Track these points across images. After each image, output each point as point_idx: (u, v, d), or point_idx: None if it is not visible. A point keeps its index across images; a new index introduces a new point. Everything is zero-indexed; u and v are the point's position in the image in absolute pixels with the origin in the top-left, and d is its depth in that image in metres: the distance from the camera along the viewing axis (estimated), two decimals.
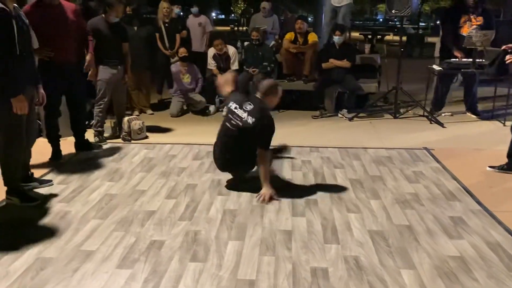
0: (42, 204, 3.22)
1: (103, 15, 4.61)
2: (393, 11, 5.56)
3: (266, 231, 2.83)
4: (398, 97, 5.89)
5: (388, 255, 2.55)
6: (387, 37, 18.03)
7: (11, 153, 3.13)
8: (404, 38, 6.29)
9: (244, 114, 3.34)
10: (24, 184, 3.38)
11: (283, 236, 2.76)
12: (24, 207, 3.18)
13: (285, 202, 3.26)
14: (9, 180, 3.22)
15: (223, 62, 6.28)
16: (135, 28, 5.87)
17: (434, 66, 5.70)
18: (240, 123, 3.33)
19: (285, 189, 3.49)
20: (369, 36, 13.28)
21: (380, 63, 6.69)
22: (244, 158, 3.45)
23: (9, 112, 2.97)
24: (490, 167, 3.90)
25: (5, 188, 3.26)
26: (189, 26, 6.92)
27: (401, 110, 6.00)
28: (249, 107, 3.37)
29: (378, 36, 16.37)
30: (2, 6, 2.85)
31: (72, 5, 4.10)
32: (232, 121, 3.39)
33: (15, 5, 3.01)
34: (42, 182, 3.55)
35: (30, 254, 2.54)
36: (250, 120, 3.30)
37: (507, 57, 3.59)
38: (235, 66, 6.29)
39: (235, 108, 3.42)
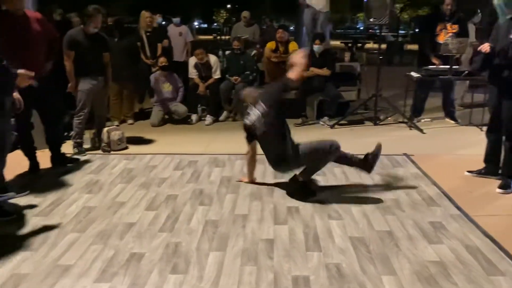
0: (18, 217, 3.14)
1: (82, 26, 4.56)
2: (371, 20, 5.64)
3: (248, 240, 2.81)
4: (378, 104, 5.96)
5: (369, 262, 2.55)
6: (368, 45, 18.29)
7: None
8: (384, 46, 6.41)
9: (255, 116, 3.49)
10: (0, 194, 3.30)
11: (265, 245, 2.75)
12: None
13: (268, 210, 3.25)
14: None
15: (204, 71, 6.28)
16: (115, 39, 5.82)
17: (413, 73, 5.79)
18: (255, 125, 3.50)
19: (268, 198, 3.48)
20: (350, 45, 13.48)
21: (360, 71, 6.77)
22: (277, 157, 3.52)
23: None
24: (468, 171, 3.97)
25: None
26: (170, 36, 6.91)
27: (381, 117, 6.07)
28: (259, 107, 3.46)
29: (359, 44, 16.62)
30: None
31: (37, 15, 4.02)
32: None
33: None
34: (19, 192, 3.48)
35: (5, 270, 2.47)
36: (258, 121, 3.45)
37: (481, 46, 3.68)
38: (217, 74, 6.29)
39: (252, 111, 3.56)
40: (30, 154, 4.07)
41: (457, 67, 5.54)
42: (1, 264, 2.52)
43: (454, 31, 5.63)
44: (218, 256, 2.62)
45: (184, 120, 6.20)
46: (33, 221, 3.09)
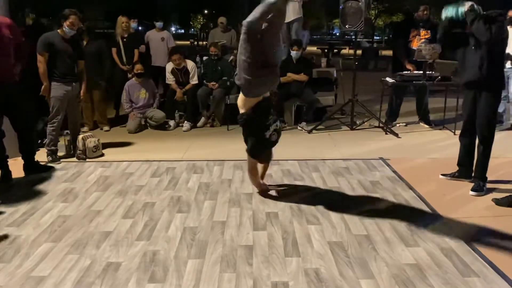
0: None
1: (58, 30, 4.47)
2: (346, 26, 5.72)
3: (227, 247, 2.79)
4: (354, 109, 6.04)
5: (348, 266, 2.57)
6: (344, 51, 18.58)
7: None
8: (359, 52, 6.51)
9: None
10: None
11: (244, 251, 2.74)
12: None
13: (246, 216, 3.24)
14: None
15: (182, 76, 6.24)
16: (85, 42, 5.72)
17: (388, 79, 5.90)
18: None
19: (246, 204, 3.47)
20: (326, 50, 13.63)
21: (336, 76, 6.86)
22: None
23: None
24: (442, 175, 4.05)
25: None
26: (151, 41, 6.85)
27: (357, 122, 6.15)
28: None
29: (335, 50, 16.85)
30: None
31: (6, 20, 3.94)
32: None
33: None
34: None
35: None
36: None
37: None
38: (194, 80, 6.27)
39: None
40: (2, 163, 3.95)
41: (430, 72, 5.67)
42: None
43: (426, 37, 5.76)
44: (196, 264, 2.60)
45: (162, 126, 6.14)
46: (4, 232, 2.99)
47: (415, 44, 5.77)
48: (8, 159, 4.00)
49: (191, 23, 40.11)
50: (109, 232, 2.99)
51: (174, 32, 34.36)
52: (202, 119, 6.35)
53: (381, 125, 5.98)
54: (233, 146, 5.28)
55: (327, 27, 42.85)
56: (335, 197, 3.62)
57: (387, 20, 32.10)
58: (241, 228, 3.06)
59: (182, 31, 39.96)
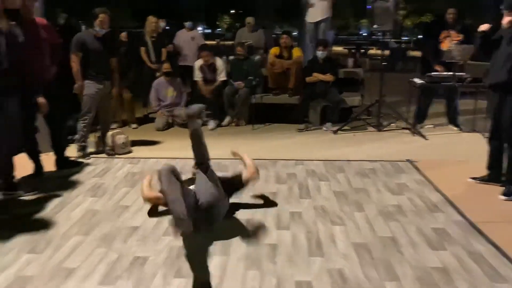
0: (22, 220, 3.16)
1: (90, 29, 4.59)
2: (375, 26, 5.67)
3: (251, 245, 2.81)
4: (381, 110, 5.97)
5: (372, 267, 2.56)
6: (371, 51, 18.33)
7: None
8: (387, 52, 6.43)
9: None
10: (9, 192, 3.43)
11: (268, 250, 2.76)
12: (4, 223, 3.11)
13: (270, 215, 3.26)
14: None
15: (209, 73, 6.31)
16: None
17: (416, 80, 5.81)
18: None
19: (270, 202, 3.49)
20: (353, 51, 13.49)
21: (363, 77, 6.79)
22: None
23: None
24: (471, 178, 3.97)
25: None
26: (181, 40, 6.95)
27: (384, 123, 6.08)
28: None
29: (362, 50, 16.64)
30: None
31: (43, 21, 4.07)
32: None
33: (12, 22, 3.09)
34: (27, 191, 3.56)
35: (10, 272, 2.49)
36: None
37: (481, 26, 3.71)
38: (222, 76, 6.33)
39: None
40: (35, 157, 4.09)
41: (460, 73, 5.55)
42: (6, 266, 2.54)
43: (458, 39, 5.64)
44: (221, 260, 2.63)
45: (188, 125, 6.21)
46: (37, 224, 3.11)
47: (445, 45, 5.66)
48: (40, 154, 4.14)
49: (217, 23, 40.38)
50: (137, 227, 3.06)
51: (200, 31, 34.65)
52: (227, 118, 6.40)
53: (408, 126, 5.89)
54: (258, 146, 5.32)
55: (354, 27, 42.39)
56: (360, 199, 3.60)
57: (416, 21, 31.51)
58: (265, 227, 3.07)
59: (209, 31, 40.25)
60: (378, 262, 2.62)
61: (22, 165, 4.04)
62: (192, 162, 3.81)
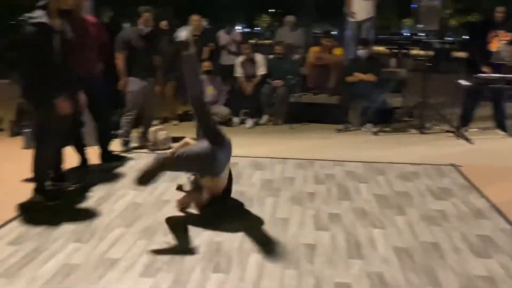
0: (69, 211, 3.29)
1: (134, 27, 4.72)
2: (420, 26, 5.51)
3: (289, 244, 2.81)
4: (424, 112, 5.81)
5: (413, 273, 2.50)
6: (413, 51, 17.84)
7: (43, 153, 3.35)
8: (431, 53, 6.25)
9: None
10: (56, 183, 3.59)
11: (306, 250, 2.74)
12: (52, 212, 3.25)
13: (308, 215, 3.24)
14: (37, 177, 3.41)
15: (250, 68, 6.39)
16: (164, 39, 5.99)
17: (462, 81, 5.61)
18: None
19: (309, 203, 3.47)
20: (394, 50, 13.18)
21: (405, 77, 6.62)
22: None
23: (48, 114, 3.22)
24: None
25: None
26: (221, 39, 7.02)
27: (427, 125, 5.90)
28: None
29: (404, 50, 16.23)
30: (44, 21, 3.09)
31: (94, 19, 4.22)
32: None
33: (67, 23, 3.26)
34: (73, 183, 3.73)
35: (57, 259, 2.60)
36: None
37: None
38: (261, 71, 6.37)
39: None
40: (80, 150, 4.25)
41: (510, 75, 5.31)
42: (54, 254, 2.65)
43: (507, 38, 5.40)
44: (259, 258, 2.64)
45: (226, 123, 6.29)
46: (83, 214, 3.23)
47: (494, 46, 5.44)
48: (86, 147, 4.29)
49: (256, 22, 40.49)
50: (177, 221, 3.12)
51: (240, 31, 34.84)
52: (265, 117, 6.42)
53: (452, 129, 5.70)
54: (295, 145, 5.30)
55: (396, 26, 41.40)
56: (401, 202, 3.51)
57: (461, 20, 30.40)
58: (303, 227, 3.06)
59: (248, 30, 40.48)
60: (420, 268, 2.55)
61: (68, 157, 4.20)
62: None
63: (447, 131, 5.77)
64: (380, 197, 3.61)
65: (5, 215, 3.17)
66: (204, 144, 3.10)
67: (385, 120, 5.98)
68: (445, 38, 23.28)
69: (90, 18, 4.20)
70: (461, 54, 16.98)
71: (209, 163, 3.05)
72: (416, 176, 4.12)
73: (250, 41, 8.76)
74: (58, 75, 3.24)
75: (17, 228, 3.00)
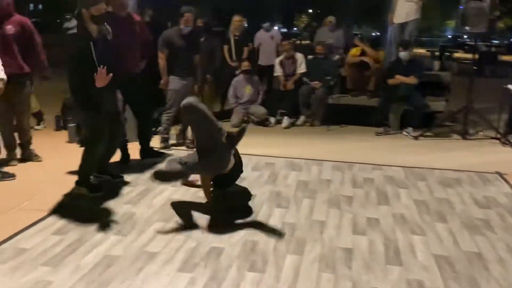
0: (110, 204, 3.38)
1: (176, 27, 4.80)
2: (466, 28, 5.32)
3: (326, 247, 2.78)
4: (468, 117, 5.61)
5: (455, 282, 2.42)
6: (456, 54, 17.26)
7: (92, 149, 3.45)
8: (476, 56, 6.00)
9: None
10: (98, 175, 3.71)
11: (343, 254, 2.71)
12: (94, 204, 3.35)
13: (346, 218, 3.20)
14: (83, 172, 3.52)
15: (289, 67, 6.41)
16: (201, 39, 6.06)
17: (510, 86, 5.37)
18: None
19: (346, 206, 3.42)
20: (436, 53, 12.79)
21: (449, 81, 6.42)
22: None
23: (93, 113, 3.36)
24: None
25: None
26: (260, 40, 7.04)
27: (471, 131, 5.70)
28: None
29: (447, 53, 15.73)
30: (75, 32, 3.24)
31: (137, 17, 4.32)
32: None
33: (104, 27, 3.36)
34: (115, 176, 3.83)
35: (99, 251, 2.68)
36: None
37: None
38: (302, 68, 6.39)
39: None
40: (122, 146, 4.36)
41: None
42: (96, 245, 2.74)
43: None
44: (295, 260, 2.63)
45: (263, 122, 6.30)
46: (123, 208, 3.31)
47: None
48: (127, 143, 4.41)
49: (294, 22, 40.32)
50: (213, 218, 3.15)
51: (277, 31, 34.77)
52: (302, 118, 6.38)
53: (498, 136, 5.47)
54: (332, 147, 5.24)
55: (438, 28, 40.21)
56: (442, 209, 3.41)
57: (509, 22, 29.15)
58: (340, 230, 3.02)
59: (285, 30, 40.42)
60: (462, 277, 2.46)
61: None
62: (265, 159, 3.85)
63: (492, 138, 5.54)
64: (420, 203, 3.51)
65: (50, 206, 3.31)
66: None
67: (426, 124, 5.82)
68: (491, 41, 22.40)
69: (135, 16, 4.31)
70: (509, 58, 16.33)
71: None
72: (458, 183, 3.98)
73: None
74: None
75: (62, 218, 3.11)
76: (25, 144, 4.42)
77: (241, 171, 3.54)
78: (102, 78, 3.21)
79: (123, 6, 4.05)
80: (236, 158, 3.43)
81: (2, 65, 3.84)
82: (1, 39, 3.95)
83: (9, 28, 3.97)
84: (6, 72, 3.78)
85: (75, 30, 3.24)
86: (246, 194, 3.59)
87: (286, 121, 6.22)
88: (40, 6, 28.35)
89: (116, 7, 4.04)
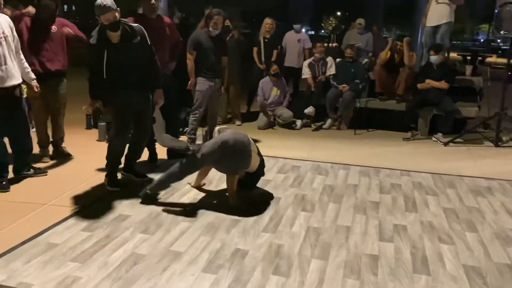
0: (137, 202, 3.44)
1: (205, 28, 4.85)
2: (501, 32, 5.17)
3: (351, 253, 2.74)
4: (501, 124, 5.44)
5: None
6: (489, 59, 16.79)
7: (113, 142, 3.71)
8: (511, 61, 5.80)
9: None
10: (124, 172, 3.91)
11: (369, 260, 2.67)
12: (122, 202, 3.41)
13: (372, 225, 3.15)
14: (107, 164, 3.74)
15: (318, 70, 6.43)
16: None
17: None
18: None
19: (373, 212, 3.37)
20: (468, 57, 12.46)
21: (482, 86, 6.24)
22: None
23: (118, 112, 3.56)
24: None
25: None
26: (287, 41, 7.04)
27: (504, 138, 5.52)
28: None
29: (479, 58, 15.31)
30: (93, 42, 3.38)
31: (167, 19, 4.38)
32: None
33: (130, 31, 3.44)
34: (139, 176, 3.92)
35: (126, 248, 2.72)
36: None
37: None
38: (331, 71, 6.40)
39: None
40: (150, 145, 4.43)
41: None
42: (123, 243, 2.79)
43: None
44: (320, 264, 2.60)
45: (289, 125, 6.28)
46: (150, 207, 3.36)
47: None
48: (156, 143, 4.47)
49: (322, 24, 40.07)
50: (238, 220, 3.16)
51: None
52: (329, 121, 6.33)
53: None
54: (360, 151, 5.17)
55: (470, 32, 39.21)
56: (472, 218, 3.31)
57: None
58: (366, 236, 2.98)
59: (313, 32, 40.23)
60: None
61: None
62: (291, 161, 3.81)
63: None
64: (449, 211, 3.43)
65: (80, 203, 3.39)
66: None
67: (457, 130, 5.67)
68: None
69: (165, 18, 4.37)
70: None
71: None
72: (490, 191, 3.87)
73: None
74: (128, 77, 3.49)
75: (91, 215, 3.18)
76: (58, 142, 4.56)
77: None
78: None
79: (153, 8, 4.11)
80: (261, 157, 3.52)
81: (46, 61, 4.12)
82: (47, 37, 4.19)
83: (55, 27, 4.24)
84: (51, 68, 4.18)
85: (94, 36, 3.38)
86: (271, 197, 3.60)
87: (298, 122, 6.24)
88: (74, 8, 29.17)
89: (146, 10, 4.11)
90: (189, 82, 4.83)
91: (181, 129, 5.21)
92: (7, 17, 3.64)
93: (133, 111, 3.64)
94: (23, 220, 3.08)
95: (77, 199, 3.47)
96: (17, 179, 3.86)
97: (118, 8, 3.34)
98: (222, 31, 5.01)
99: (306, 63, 6.54)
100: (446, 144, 5.44)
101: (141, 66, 3.57)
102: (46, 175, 4.01)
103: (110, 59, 3.41)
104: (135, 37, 3.48)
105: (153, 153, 4.45)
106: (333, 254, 2.73)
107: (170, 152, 4.58)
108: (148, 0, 4.06)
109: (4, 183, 3.66)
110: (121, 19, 3.39)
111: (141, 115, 3.73)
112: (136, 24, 3.54)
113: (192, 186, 3.77)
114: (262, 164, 3.61)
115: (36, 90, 3.89)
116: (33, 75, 3.87)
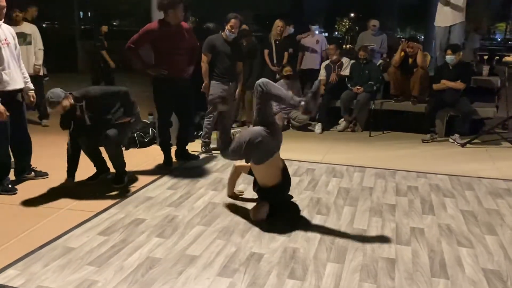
0: (152, 206, 3.46)
1: (221, 32, 4.87)
2: None
3: (368, 257, 2.71)
4: None
5: None
6: (506, 58, 16.48)
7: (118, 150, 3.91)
8: None
9: None
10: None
11: (386, 264, 2.63)
12: (137, 207, 3.44)
13: (389, 228, 3.11)
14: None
15: (335, 70, 6.45)
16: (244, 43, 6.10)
17: None
18: None
19: (389, 215, 3.33)
20: (485, 57, 12.24)
21: (500, 86, 6.13)
22: None
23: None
24: None
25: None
26: (305, 43, 7.03)
27: None
28: None
29: (497, 57, 15.04)
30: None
31: (186, 25, 4.42)
32: None
33: None
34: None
35: (142, 252, 2.74)
36: None
37: None
38: (346, 72, 6.44)
39: None
40: (166, 149, 4.46)
41: None
42: (139, 246, 2.81)
43: None
44: (336, 268, 2.58)
45: (304, 128, 6.26)
46: (165, 211, 3.38)
47: None
48: (171, 147, 4.50)
49: (335, 26, 39.88)
50: (253, 224, 3.14)
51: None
52: (343, 123, 6.29)
53: None
54: (375, 154, 5.12)
55: (488, 31, 38.57)
56: (492, 221, 3.25)
57: None
58: (382, 240, 2.94)
59: (326, 34, 40.08)
60: None
61: (154, 156, 4.45)
62: (306, 164, 3.78)
63: None
64: (467, 214, 3.37)
65: (96, 207, 3.43)
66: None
67: (474, 131, 5.58)
68: None
69: (183, 23, 4.41)
70: None
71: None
72: (509, 193, 3.79)
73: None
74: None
75: (107, 219, 3.21)
76: None
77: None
78: None
79: (179, 20, 4.16)
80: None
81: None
82: None
83: None
84: None
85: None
86: (287, 201, 3.58)
87: (318, 127, 6.20)
88: (89, 14, 29.62)
89: (173, 20, 4.13)
90: (203, 84, 4.85)
91: (195, 133, 5.23)
92: (10, 27, 3.78)
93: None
94: (41, 224, 3.13)
95: (94, 203, 3.50)
96: (19, 180, 3.92)
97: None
98: (239, 35, 5.02)
99: (323, 64, 6.59)
100: (463, 145, 5.35)
101: None
102: (47, 177, 4.06)
103: None
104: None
105: (168, 157, 4.48)
106: (349, 257, 2.70)
107: (178, 154, 4.61)
108: (177, 13, 4.10)
109: (10, 186, 3.73)
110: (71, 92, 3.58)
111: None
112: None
113: (228, 196, 3.68)
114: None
115: (32, 100, 3.93)
116: (31, 85, 3.93)
